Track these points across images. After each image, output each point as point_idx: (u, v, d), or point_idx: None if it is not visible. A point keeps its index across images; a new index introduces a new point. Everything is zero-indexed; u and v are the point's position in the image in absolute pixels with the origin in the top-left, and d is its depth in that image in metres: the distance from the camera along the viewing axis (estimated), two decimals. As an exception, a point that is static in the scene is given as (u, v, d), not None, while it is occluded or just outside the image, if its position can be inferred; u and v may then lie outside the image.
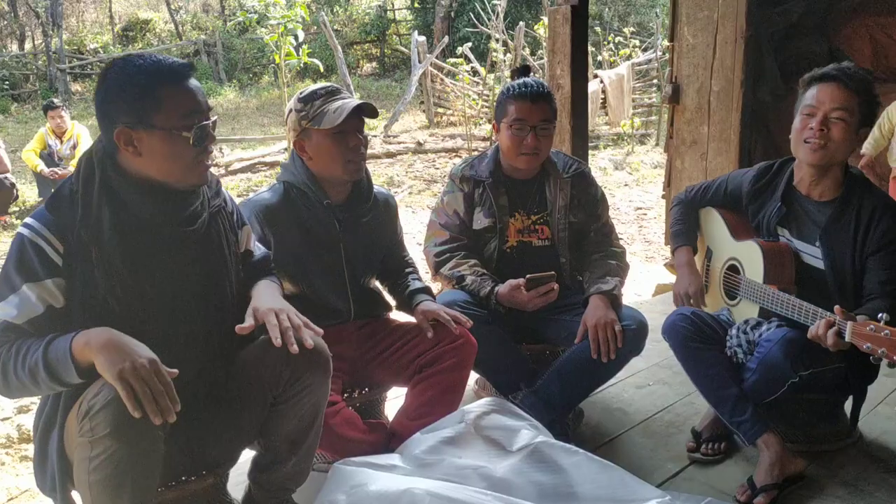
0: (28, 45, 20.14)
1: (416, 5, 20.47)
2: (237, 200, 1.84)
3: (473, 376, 2.52)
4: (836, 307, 1.73)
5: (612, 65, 12.56)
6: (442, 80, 12.78)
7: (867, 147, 4.26)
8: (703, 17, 3.78)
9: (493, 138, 2.41)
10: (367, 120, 2.02)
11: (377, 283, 2.30)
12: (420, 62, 12.35)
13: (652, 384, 2.72)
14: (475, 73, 12.55)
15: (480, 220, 2.35)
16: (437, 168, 9.83)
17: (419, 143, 11.15)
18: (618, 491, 1.82)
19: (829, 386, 2.03)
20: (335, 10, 20.73)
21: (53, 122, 7.39)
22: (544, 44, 12.20)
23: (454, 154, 10.62)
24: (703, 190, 2.37)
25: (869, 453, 2.18)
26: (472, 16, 14.18)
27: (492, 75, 12.21)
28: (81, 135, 7.46)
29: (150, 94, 1.44)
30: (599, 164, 9.67)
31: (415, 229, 6.35)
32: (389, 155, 10.51)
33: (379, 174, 9.10)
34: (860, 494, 1.97)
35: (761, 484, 1.92)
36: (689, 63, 3.89)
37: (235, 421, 1.66)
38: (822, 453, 2.16)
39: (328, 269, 2.08)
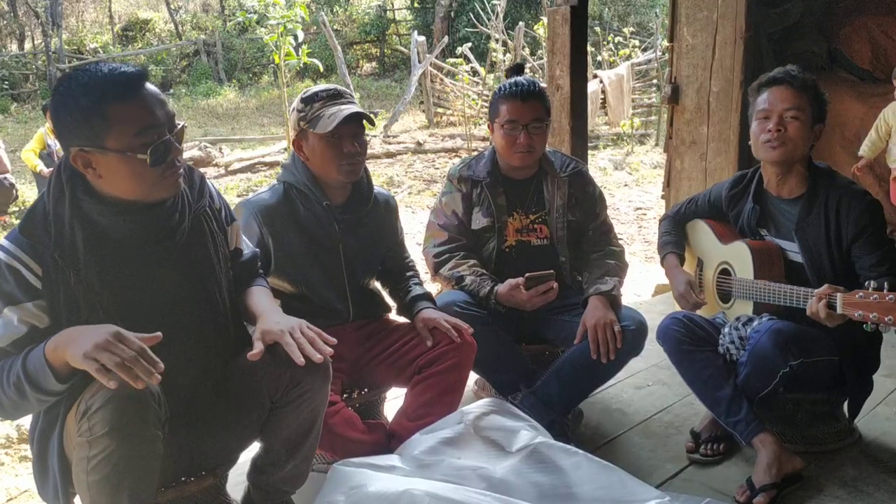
0: (28, 45, 20.14)
1: (416, 5, 20.47)
2: (237, 200, 1.82)
3: (473, 377, 2.52)
4: (826, 285, 1.80)
5: (611, 65, 12.55)
6: (441, 80, 12.79)
7: (864, 149, 4.26)
8: (702, 17, 3.78)
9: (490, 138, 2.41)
10: (366, 123, 2.02)
11: (377, 284, 2.30)
12: (420, 62, 12.36)
13: (651, 385, 2.73)
14: (475, 73, 12.56)
15: (479, 220, 2.35)
16: (437, 168, 9.84)
17: (419, 144, 11.15)
18: (617, 491, 1.82)
19: (824, 380, 2.04)
20: (335, 10, 20.73)
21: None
22: (544, 44, 12.19)
23: (454, 154, 10.63)
24: (690, 202, 2.45)
25: (868, 454, 2.18)
26: (471, 16, 14.19)
27: (491, 75, 12.23)
28: (81, 135, 7.45)
29: (97, 113, 1.34)
30: (599, 164, 9.67)
31: (415, 229, 6.35)
32: (389, 155, 10.52)
33: (379, 174, 9.10)
34: (859, 495, 1.97)
35: (760, 484, 1.92)
36: (689, 63, 3.89)
37: (235, 423, 1.66)
38: (821, 454, 2.16)
39: (327, 270, 2.08)
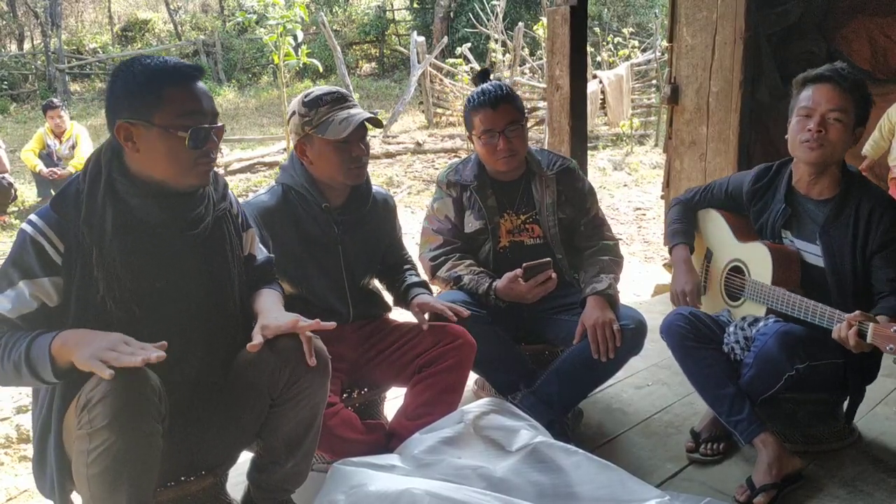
0: (27, 45, 20.14)
1: (416, 6, 20.48)
2: (236, 201, 1.84)
3: (472, 376, 2.52)
4: (858, 311, 1.75)
5: (611, 65, 12.55)
6: (441, 80, 12.78)
7: (868, 149, 4.25)
8: (701, 17, 3.78)
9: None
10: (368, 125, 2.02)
11: (376, 283, 2.30)
12: (419, 62, 12.35)
13: (651, 384, 2.73)
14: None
15: (472, 223, 2.35)
16: (437, 168, 9.84)
17: (418, 144, 11.14)
18: (617, 491, 1.82)
19: (828, 382, 2.03)
20: (334, 10, 20.74)
21: (52, 122, 7.38)
22: (543, 44, 12.20)
23: (453, 154, 10.62)
24: (705, 190, 2.39)
25: (868, 453, 2.18)
26: (471, 16, 14.20)
27: (491, 76, 12.20)
28: (80, 135, 7.45)
29: (152, 91, 1.46)
30: (598, 164, 9.68)
31: (414, 229, 6.34)
32: (388, 155, 10.51)
33: (378, 174, 9.10)
34: (859, 494, 1.97)
35: (760, 484, 1.92)
36: (688, 64, 3.89)
37: (234, 422, 1.66)
38: (821, 453, 2.16)
39: (327, 271, 2.08)
